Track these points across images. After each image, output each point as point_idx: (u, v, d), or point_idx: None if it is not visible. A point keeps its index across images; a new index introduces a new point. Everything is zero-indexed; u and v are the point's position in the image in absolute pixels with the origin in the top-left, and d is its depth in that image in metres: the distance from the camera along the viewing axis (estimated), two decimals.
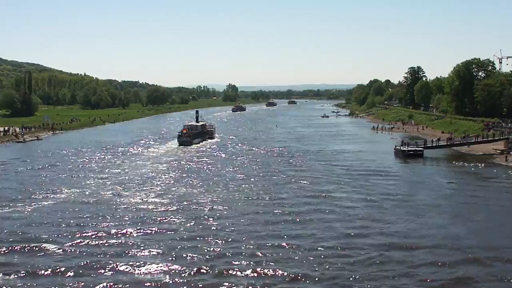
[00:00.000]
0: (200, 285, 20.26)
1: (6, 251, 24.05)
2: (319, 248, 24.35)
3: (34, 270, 21.62)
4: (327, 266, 21.96)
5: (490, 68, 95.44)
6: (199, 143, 73.81)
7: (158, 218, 30.12)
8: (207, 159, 57.23)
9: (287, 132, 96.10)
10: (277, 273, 21.19)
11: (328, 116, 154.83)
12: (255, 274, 21.19)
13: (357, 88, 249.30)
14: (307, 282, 20.52)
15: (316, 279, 20.74)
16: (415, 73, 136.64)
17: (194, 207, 32.95)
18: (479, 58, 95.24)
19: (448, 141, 65.29)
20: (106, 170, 48.04)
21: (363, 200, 34.80)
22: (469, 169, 48.76)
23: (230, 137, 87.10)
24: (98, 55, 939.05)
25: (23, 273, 21.26)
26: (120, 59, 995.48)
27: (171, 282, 20.59)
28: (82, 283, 20.26)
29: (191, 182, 42.26)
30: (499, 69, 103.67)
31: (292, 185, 40.07)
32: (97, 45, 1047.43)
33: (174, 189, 39.11)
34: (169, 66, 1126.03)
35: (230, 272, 21.50)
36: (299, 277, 20.87)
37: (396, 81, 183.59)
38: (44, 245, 24.87)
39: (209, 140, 79.30)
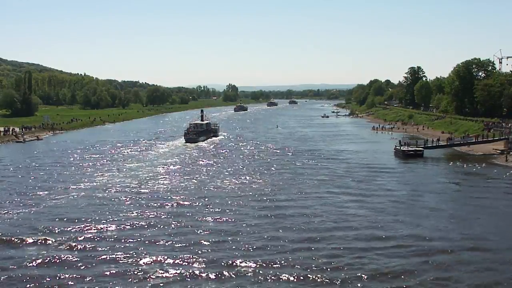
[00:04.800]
0: (201, 282, 20.34)
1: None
2: (319, 249, 24.36)
3: (41, 265, 21.74)
4: (323, 269, 21.95)
5: (490, 68, 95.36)
6: (204, 141, 76.48)
7: (165, 212, 30.68)
8: (212, 156, 59.78)
9: (288, 132, 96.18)
10: (275, 274, 21.20)
11: (328, 116, 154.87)
12: (256, 274, 21.22)
13: (357, 88, 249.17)
14: (304, 283, 20.54)
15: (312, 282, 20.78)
16: (415, 73, 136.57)
17: (197, 203, 33.29)
18: (479, 58, 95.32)
19: (448, 141, 65.27)
20: (112, 168, 48.44)
21: (363, 200, 34.75)
22: (469, 169, 48.73)
23: (233, 135, 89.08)
24: (98, 55, 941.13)
25: (29, 268, 21.37)
26: (120, 59, 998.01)
27: (172, 277, 20.70)
28: (85, 276, 20.39)
29: (196, 177, 44.02)
30: (499, 69, 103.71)
31: (292, 185, 40.10)
32: (97, 45, 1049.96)
33: (180, 184, 40.66)
34: (169, 66, 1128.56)
35: (231, 270, 21.54)
36: (293, 279, 20.90)
37: (396, 81, 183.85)
38: (52, 240, 25.32)
39: (214, 138, 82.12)
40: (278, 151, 63.94)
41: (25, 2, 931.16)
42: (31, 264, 22.39)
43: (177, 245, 24.92)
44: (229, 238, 26.00)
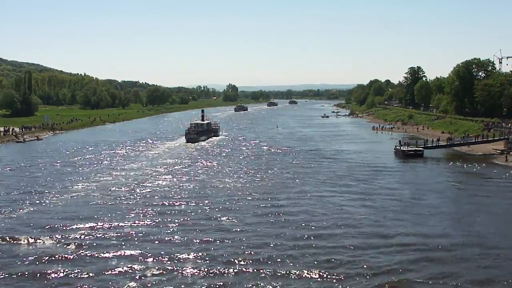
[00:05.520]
0: (201, 279, 20.41)
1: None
2: (319, 247, 24.39)
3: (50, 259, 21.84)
4: (324, 266, 21.98)
5: (490, 68, 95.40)
6: (205, 140, 77.40)
7: (166, 211, 31.17)
8: (213, 155, 60.40)
9: (288, 132, 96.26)
10: (276, 271, 21.23)
11: (328, 116, 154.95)
12: (256, 271, 21.26)
13: (357, 88, 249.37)
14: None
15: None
16: (415, 73, 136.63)
17: (197, 202, 33.39)
18: (479, 58, 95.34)
19: (448, 141, 65.32)
20: (113, 168, 48.57)
21: (363, 199, 34.81)
22: (469, 169, 48.77)
23: (234, 135, 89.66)
24: (98, 55, 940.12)
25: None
26: (120, 59, 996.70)
27: (172, 274, 20.77)
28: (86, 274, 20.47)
29: (197, 176, 44.54)
30: (499, 69, 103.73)
31: (292, 184, 40.18)
32: (97, 45, 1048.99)
33: (181, 183, 40.90)
34: (169, 66, 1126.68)
35: (232, 267, 21.71)
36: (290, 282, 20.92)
37: (396, 81, 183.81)
38: (52, 238, 25.54)
39: (214, 138, 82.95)
40: (278, 151, 64.03)
41: (25, 2, 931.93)
42: (31, 262, 22.52)
43: (177, 243, 25.10)
44: (230, 236, 26.19)
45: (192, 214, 30.90)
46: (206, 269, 21.66)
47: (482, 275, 21.21)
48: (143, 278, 20.89)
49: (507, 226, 29.19)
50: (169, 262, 22.54)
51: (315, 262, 22.41)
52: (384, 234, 26.63)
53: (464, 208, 33.34)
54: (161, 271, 21.55)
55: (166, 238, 25.93)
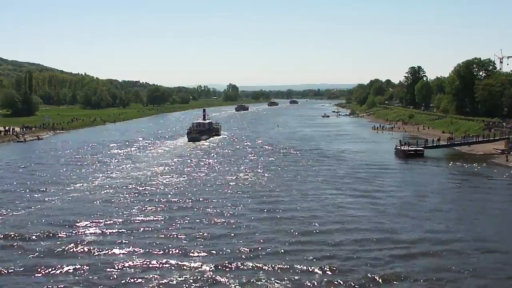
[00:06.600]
0: (200, 276, 20.49)
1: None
2: (319, 243, 24.42)
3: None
4: (324, 263, 21.97)
5: (490, 67, 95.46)
6: (206, 140, 77.75)
7: (167, 209, 31.08)
8: (214, 155, 60.75)
9: (289, 132, 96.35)
10: (276, 267, 21.26)
11: (328, 116, 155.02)
12: (255, 268, 21.31)
13: (357, 88, 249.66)
14: None
15: None
16: (415, 73, 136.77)
17: (198, 200, 33.41)
18: (480, 58, 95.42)
19: (449, 141, 65.31)
20: (114, 168, 48.59)
21: (363, 199, 34.81)
22: (469, 169, 48.77)
23: (235, 135, 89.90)
24: (98, 55, 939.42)
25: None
26: (120, 59, 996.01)
27: (172, 271, 20.84)
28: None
29: (198, 176, 44.67)
30: (500, 68, 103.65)
31: (293, 184, 40.18)
32: (98, 45, 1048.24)
33: (182, 182, 41.00)
34: (169, 66, 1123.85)
35: (233, 264, 21.79)
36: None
37: (396, 81, 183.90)
38: (53, 236, 25.45)
39: (216, 137, 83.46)
40: (279, 150, 64.05)
41: (25, 2, 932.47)
42: (33, 258, 22.62)
43: (179, 240, 25.25)
44: (231, 233, 26.43)
45: (194, 212, 31.01)
46: (208, 265, 21.77)
47: (482, 272, 21.32)
48: (144, 273, 21.01)
49: (508, 226, 29.23)
50: (171, 259, 22.62)
51: (316, 258, 22.65)
52: (384, 232, 26.75)
53: (464, 207, 33.35)
54: (163, 267, 21.67)
55: (168, 235, 26.08)
